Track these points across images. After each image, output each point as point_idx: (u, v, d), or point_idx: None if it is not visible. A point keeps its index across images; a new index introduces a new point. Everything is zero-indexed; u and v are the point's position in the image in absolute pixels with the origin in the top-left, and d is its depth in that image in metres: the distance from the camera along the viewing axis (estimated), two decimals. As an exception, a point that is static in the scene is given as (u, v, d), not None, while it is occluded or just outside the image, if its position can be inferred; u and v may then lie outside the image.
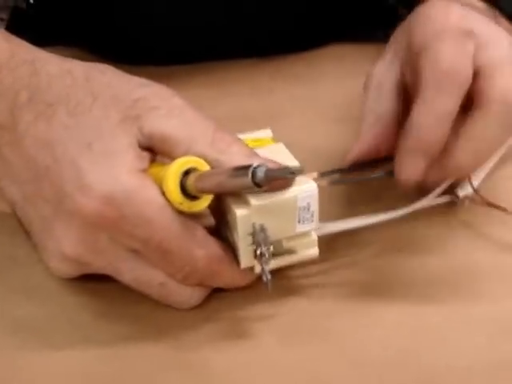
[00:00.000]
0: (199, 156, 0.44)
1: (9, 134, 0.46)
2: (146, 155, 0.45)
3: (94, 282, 0.48)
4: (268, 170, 0.42)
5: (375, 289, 0.49)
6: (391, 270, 0.50)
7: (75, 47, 0.68)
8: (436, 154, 0.46)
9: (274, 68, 0.66)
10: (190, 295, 0.46)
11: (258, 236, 0.44)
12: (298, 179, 0.46)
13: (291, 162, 0.47)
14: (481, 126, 0.46)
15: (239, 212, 0.45)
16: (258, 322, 0.47)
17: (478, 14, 0.49)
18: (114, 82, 0.46)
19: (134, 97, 0.45)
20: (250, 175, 0.42)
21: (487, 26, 0.48)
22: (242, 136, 0.49)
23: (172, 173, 0.44)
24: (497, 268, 0.49)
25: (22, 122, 0.45)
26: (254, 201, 0.44)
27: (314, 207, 0.46)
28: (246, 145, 0.46)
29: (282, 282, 0.49)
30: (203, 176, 0.44)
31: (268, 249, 0.45)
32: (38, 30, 0.64)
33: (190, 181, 0.44)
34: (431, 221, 0.52)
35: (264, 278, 0.45)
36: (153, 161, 0.46)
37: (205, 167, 0.44)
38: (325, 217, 0.48)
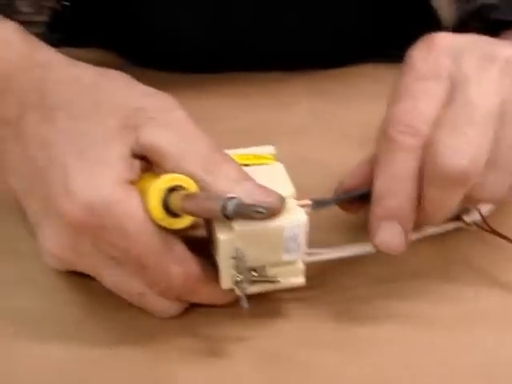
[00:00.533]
0: (188, 174, 0.44)
1: (14, 131, 0.46)
2: (137, 165, 0.45)
3: (88, 281, 0.48)
4: (239, 205, 0.41)
5: (364, 323, 0.48)
6: (382, 303, 0.49)
7: (107, 50, 0.68)
8: (410, 219, 0.45)
9: (304, 83, 0.65)
10: (168, 307, 0.46)
11: (238, 263, 0.44)
12: (289, 206, 0.45)
13: (286, 184, 0.47)
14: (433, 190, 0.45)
15: (222, 236, 0.44)
16: (235, 343, 0.46)
17: None
18: (119, 90, 0.46)
19: (136, 106, 0.45)
20: (219, 207, 0.41)
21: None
22: (243, 151, 0.49)
23: (155, 188, 0.43)
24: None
25: (28, 120, 0.46)
26: (237, 226, 0.44)
27: (302, 238, 0.45)
28: (239, 167, 0.46)
29: (269, 304, 0.49)
30: (187, 197, 0.44)
31: (247, 276, 0.45)
32: (75, 30, 0.65)
33: (175, 199, 0.43)
34: (431, 249, 0.51)
35: (241, 304, 0.45)
36: (148, 170, 0.46)
37: (192, 186, 0.44)
38: (320, 242, 0.48)
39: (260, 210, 0.42)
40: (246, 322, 0.47)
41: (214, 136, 0.55)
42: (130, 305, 0.47)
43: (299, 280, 0.47)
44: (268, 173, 0.48)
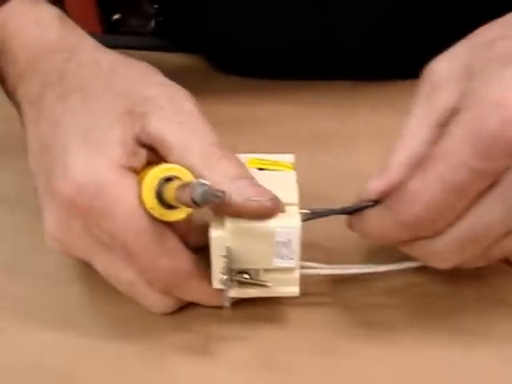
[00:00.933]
0: (188, 167, 0.44)
1: (35, 110, 0.48)
2: (143, 154, 0.45)
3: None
4: (205, 191, 0.40)
5: (362, 336, 0.47)
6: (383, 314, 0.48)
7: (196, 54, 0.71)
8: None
9: (366, 94, 0.65)
10: (157, 301, 0.46)
11: (226, 262, 0.44)
12: (288, 212, 0.45)
13: (291, 191, 0.46)
14: None
15: (214, 232, 0.44)
16: (226, 343, 0.46)
17: None
18: (133, 77, 0.47)
19: (146, 93, 0.46)
20: (188, 193, 0.41)
21: None
22: (262, 156, 0.49)
23: (150, 176, 0.44)
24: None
25: (46, 99, 0.47)
26: (229, 224, 0.44)
27: (295, 245, 0.44)
28: (238, 165, 0.45)
29: (270, 308, 0.48)
30: (181, 187, 0.44)
31: (232, 277, 0.44)
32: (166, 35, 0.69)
33: (169, 189, 0.43)
34: (433, 274, 0.49)
35: (224, 303, 0.44)
36: (157, 161, 0.46)
37: (188, 178, 0.44)
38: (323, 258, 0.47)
39: (219, 194, 0.41)
40: (241, 323, 0.47)
41: (268, 141, 0.58)
42: (129, 303, 0.47)
43: (293, 290, 0.46)
44: (278, 178, 0.47)
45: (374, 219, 0.44)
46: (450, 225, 0.43)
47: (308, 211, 0.46)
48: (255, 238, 0.44)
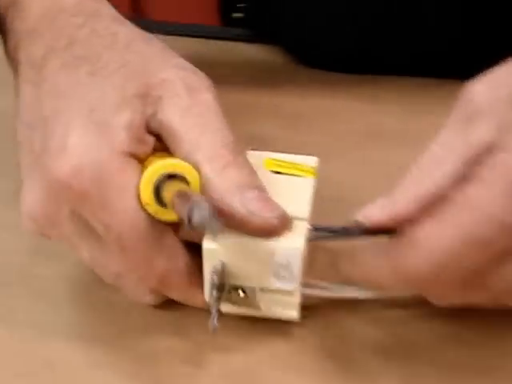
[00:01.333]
0: (195, 165, 0.40)
1: (35, 74, 0.43)
2: (151, 141, 0.41)
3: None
4: (204, 217, 0.36)
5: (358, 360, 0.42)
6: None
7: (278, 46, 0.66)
8: None
9: (440, 92, 0.58)
10: (143, 294, 0.42)
11: (216, 277, 0.40)
12: (294, 230, 0.40)
13: (304, 203, 0.41)
14: None
15: (207, 244, 0.40)
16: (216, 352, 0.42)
17: None
18: (151, 56, 0.42)
19: (164, 76, 0.41)
20: (187, 207, 0.36)
21: None
22: (282, 156, 0.44)
23: (150, 171, 0.39)
24: None
25: (49, 65, 0.43)
26: (225, 236, 0.40)
27: (296, 267, 0.39)
28: (249, 172, 0.40)
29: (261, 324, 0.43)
30: (180, 192, 0.39)
31: (220, 294, 0.40)
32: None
33: (169, 190, 0.39)
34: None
35: (211, 323, 0.40)
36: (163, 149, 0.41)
37: (194, 180, 0.39)
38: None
39: (218, 224, 0.36)
40: (234, 332, 0.43)
41: (330, 136, 0.55)
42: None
43: (292, 314, 0.41)
44: (292, 186, 0.42)
45: (369, 265, 0.39)
46: (465, 286, 0.37)
47: (315, 227, 0.41)
48: (252, 256, 0.40)
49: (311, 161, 0.44)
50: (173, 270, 0.41)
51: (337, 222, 0.41)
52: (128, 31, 0.44)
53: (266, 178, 0.42)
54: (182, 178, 0.40)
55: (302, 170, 0.43)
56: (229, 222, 0.39)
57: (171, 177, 0.40)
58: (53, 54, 0.43)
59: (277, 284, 0.40)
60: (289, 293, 0.41)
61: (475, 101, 0.38)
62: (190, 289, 0.42)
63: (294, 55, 0.65)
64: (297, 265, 0.39)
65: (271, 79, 0.62)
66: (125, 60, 0.42)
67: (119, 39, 0.43)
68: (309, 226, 0.41)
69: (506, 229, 0.34)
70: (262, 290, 0.41)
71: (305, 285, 0.41)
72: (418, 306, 0.43)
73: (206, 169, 0.40)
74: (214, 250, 0.40)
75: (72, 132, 0.40)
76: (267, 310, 0.41)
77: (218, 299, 0.40)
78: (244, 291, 0.41)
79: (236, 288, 0.41)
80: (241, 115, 0.48)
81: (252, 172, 0.41)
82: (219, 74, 0.45)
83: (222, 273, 0.40)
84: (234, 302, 0.41)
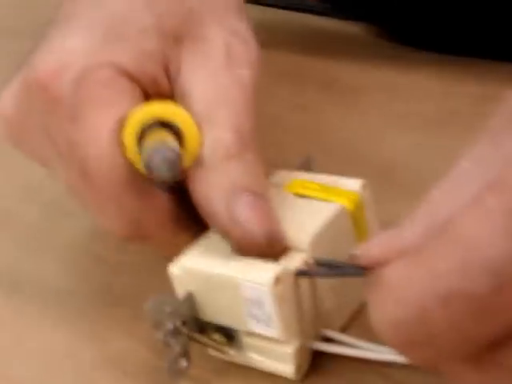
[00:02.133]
0: (199, 141, 0.33)
1: None
2: (163, 83, 0.35)
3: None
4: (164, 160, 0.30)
5: None
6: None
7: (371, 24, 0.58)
8: None
9: None
10: (112, 224, 0.35)
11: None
12: (282, 260, 0.31)
13: (309, 231, 0.32)
14: None
15: (173, 267, 0.33)
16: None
17: None
18: (213, 3, 0.36)
19: (207, 33, 0.35)
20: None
21: None
22: (319, 178, 0.35)
23: (144, 110, 0.32)
24: None
25: None
26: (188, 258, 0.32)
27: (271, 307, 0.30)
28: (256, 176, 0.33)
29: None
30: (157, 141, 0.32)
31: (177, 330, 0.32)
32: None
33: (154, 137, 0.32)
34: None
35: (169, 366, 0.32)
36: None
37: (187, 127, 0.32)
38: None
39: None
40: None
41: (392, 117, 0.49)
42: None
43: (287, 369, 0.32)
44: (309, 211, 0.33)
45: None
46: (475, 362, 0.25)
47: (318, 262, 0.31)
48: (219, 288, 0.31)
49: (354, 184, 0.34)
50: (148, 212, 0.34)
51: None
52: None
53: (281, 198, 0.34)
54: (177, 131, 0.33)
55: (335, 194, 0.34)
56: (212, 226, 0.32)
57: (165, 125, 0.33)
58: None
59: (254, 326, 0.31)
60: (282, 342, 0.32)
61: None
62: (172, 241, 0.34)
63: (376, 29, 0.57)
64: (270, 304, 0.30)
65: (346, 52, 0.55)
66: None
67: None
68: (306, 259, 0.31)
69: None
70: (247, 334, 0.32)
71: (316, 337, 0.32)
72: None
73: (206, 152, 0.33)
74: (181, 275, 0.32)
75: (74, 31, 0.35)
76: (257, 360, 0.33)
77: (184, 335, 0.32)
78: (228, 334, 0.33)
79: (218, 329, 0.33)
80: (290, 83, 0.48)
81: (257, 172, 0.33)
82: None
83: (191, 304, 0.32)
84: (217, 347, 0.33)
